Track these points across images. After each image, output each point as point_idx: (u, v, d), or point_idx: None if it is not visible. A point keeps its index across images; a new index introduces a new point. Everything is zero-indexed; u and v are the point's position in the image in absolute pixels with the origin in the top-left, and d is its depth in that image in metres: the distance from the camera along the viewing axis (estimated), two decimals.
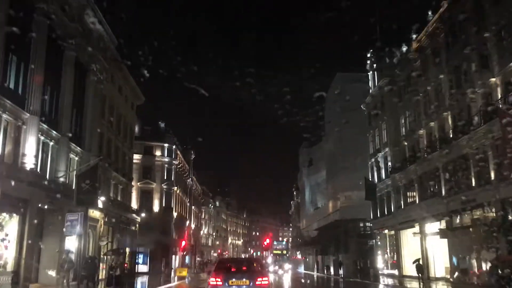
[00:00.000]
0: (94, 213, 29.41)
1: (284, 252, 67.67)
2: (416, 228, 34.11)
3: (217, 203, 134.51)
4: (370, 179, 43.14)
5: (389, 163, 40.39)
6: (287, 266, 64.31)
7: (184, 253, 70.87)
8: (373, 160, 45.35)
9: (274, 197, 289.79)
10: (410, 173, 35.48)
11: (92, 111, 29.67)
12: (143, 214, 45.71)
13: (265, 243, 59.83)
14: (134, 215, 41.11)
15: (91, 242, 29.54)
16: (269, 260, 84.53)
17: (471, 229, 26.44)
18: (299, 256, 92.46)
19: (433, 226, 31.81)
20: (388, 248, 43.00)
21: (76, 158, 27.86)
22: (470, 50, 27.13)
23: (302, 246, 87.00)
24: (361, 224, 55.01)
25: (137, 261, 53.97)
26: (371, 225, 50.86)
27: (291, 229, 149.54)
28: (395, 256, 40.13)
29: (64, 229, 21.55)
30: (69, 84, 25.72)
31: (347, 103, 57.07)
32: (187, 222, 74.37)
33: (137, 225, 42.45)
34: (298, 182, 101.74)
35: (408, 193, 36.81)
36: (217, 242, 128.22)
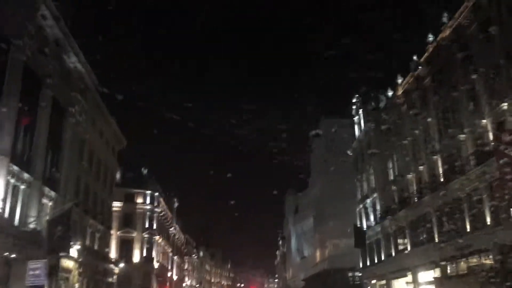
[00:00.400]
0: (67, 263, 27.40)
1: None
2: (409, 277, 32.57)
3: (201, 253, 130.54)
4: (359, 226, 41.76)
5: (378, 209, 39.25)
6: None
7: None
8: (361, 206, 44.19)
9: (259, 247, 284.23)
10: (400, 219, 34.31)
11: (69, 154, 28.29)
12: (121, 265, 43.32)
13: None
14: (112, 265, 38.80)
15: None
16: None
17: (468, 277, 25.07)
18: None
19: (427, 275, 30.34)
20: None
21: (50, 203, 26.16)
22: (458, 92, 26.87)
23: None
24: (350, 274, 53.11)
25: None
26: (360, 274, 49.03)
27: (276, 279, 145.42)
28: None
29: (25, 281, 19.51)
30: (45, 124, 24.47)
31: (333, 148, 56.74)
32: (169, 274, 71.26)
33: (115, 277, 39.99)
34: (283, 230, 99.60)
35: (399, 240, 35.47)
36: None
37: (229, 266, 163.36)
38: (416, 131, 32.90)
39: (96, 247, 35.42)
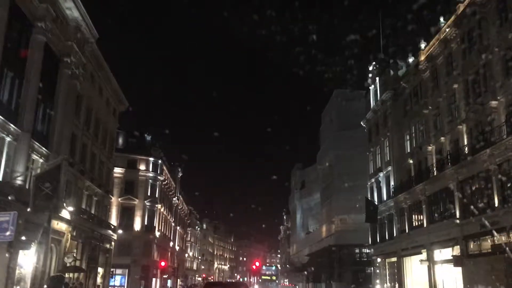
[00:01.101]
0: (59, 225, 25.53)
1: (274, 278, 62.84)
2: (424, 255, 30.52)
3: (204, 226, 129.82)
4: (371, 200, 39.57)
5: (392, 183, 37.04)
6: None
7: (166, 276, 66.30)
8: (373, 180, 41.98)
9: (263, 221, 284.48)
10: (417, 194, 32.09)
11: (64, 108, 26.07)
12: (120, 231, 41.69)
13: (254, 266, 55.17)
14: (110, 231, 37.04)
15: (54, 259, 25.53)
16: (256, 287, 79.62)
17: (492, 256, 22.95)
18: (286, 283, 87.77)
19: (444, 253, 28.31)
20: (387, 277, 39.25)
21: (41, 160, 24.11)
22: (492, 55, 24.27)
23: (292, 272, 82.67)
24: (357, 251, 51.44)
25: (113, 283, 49.73)
26: (369, 251, 47.24)
27: (279, 255, 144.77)
28: (397, 286, 36.42)
29: None
30: (35, 72, 22.19)
31: (344, 121, 54.37)
32: (171, 243, 69.99)
33: (113, 243, 38.32)
34: (289, 205, 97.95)
35: (414, 216, 33.34)
36: (203, 266, 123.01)
37: (232, 240, 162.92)
38: (439, 99, 30.41)
39: (93, 211, 33.60)
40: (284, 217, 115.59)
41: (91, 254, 32.04)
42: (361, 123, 45.50)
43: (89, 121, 31.86)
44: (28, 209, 19.60)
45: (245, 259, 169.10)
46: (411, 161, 34.43)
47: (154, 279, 59.61)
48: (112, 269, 48.19)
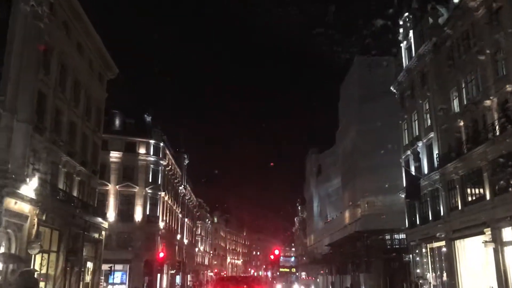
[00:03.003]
0: (19, 206, 19.59)
1: (293, 270, 56.25)
2: (487, 236, 24.13)
3: (215, 219, 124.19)
4: (412, 172, 32.95)
5: (436, 152, 30.64)
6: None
7: (174, 272, 60.51)
8: (408, 152, 35.57)
9: (275, 215, 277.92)
10: (474, 160, 25.67)
11: (21, 55, 20.11)
12: (111, 218, 35.81)
13: (272, 256, 48.50)
14: (99, 218, 31.10)
15: (13, 248, 19.60)
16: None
17: None
18: (304, 276, 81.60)
19: None
20: (430, 266, 32.96)
21: None
22: None
23: (310, 265, 76.44)
24: (388, 237, 45.10)
25: (112, 280, 44.00)
26: (402, 237, 41.00)
27: (293, 248, 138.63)
28: (445, 276, 30.15)
29: None
30: None
31: (368, 91, 47.99)
32: (178, 236, 64.12)
33: (104, 233, 32.36)
34: (304, 193, 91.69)
35: (469, 189, 26.94)
36: (215, 262, 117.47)
37: (244, 233, 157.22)
38: (501, 39, 23.95)
39: (75, 193, 27.68)
40: (299, 208, 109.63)
41: (72, 245, 26.11)
42: (391, 88, 39.09)
43: (64, 81, 25.83)
44: None
45: (258, 253, 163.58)
46: (461, 122, 27.98)
47: (159, 275, 53.90)
48: (110, 265, 42.68)
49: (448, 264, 29.03)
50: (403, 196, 36.48)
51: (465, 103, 27.90)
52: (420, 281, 32.83)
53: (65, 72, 25.91)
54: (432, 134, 31.37)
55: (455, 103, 29.30)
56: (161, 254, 40.20)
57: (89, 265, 30.85)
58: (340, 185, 59.73)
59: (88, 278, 30.21)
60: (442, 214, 29.59)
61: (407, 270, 37.87)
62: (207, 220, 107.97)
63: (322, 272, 68.42)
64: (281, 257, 63.70)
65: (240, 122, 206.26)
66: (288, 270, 52.39)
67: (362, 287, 46.80)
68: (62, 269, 24.57)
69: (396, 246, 43.46)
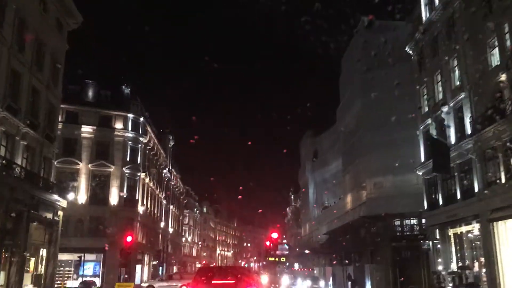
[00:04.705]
0: None
1: (283, 259, 50.08)
2: None
3: (205, 209, 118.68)
4: (439, 139, 27.27)
5: (469, 116, 25.16)
6: (304, 282, 46.31)
7: (156, 263, 54.92)
8: (429, 121, 30.09)
9: (267, 206, 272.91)
10: None
11: None
12: (70, 196, 29.97)
13: (268, 243, 42.04)
14: (55, 196, 25.23)
15: None
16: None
17: None
18: (296, 268, 76.21)
19: None
20: (454, 254, 27.64)
21: None
22: None
23: (306, 255, 71.12)
24: (397, 222, 39.68)
25: (82, 272, 38.25)
26: (415, 222, 35.86)
27: (285, 240, 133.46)
28: (476, 266, 24.88)
29: None
30: None
31: (374, 59, 42.36)
32: (162, 224, 58.43)
33: (60, 213, 26.49)
34: (299, 180, 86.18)
35: None
36: (204, 253, 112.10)
37: (235, 224, 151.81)
38: None
39: (20, 162, 21.83)
40: (292, 197, 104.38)
41: (12, 226, 20.30)
42: (406, 48, 33.58)
43: (1, 14, 19.85)
44: None
45: (249, 244, 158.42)
46: (503, 77, 22.49)
47: (140, 266, 48.29)
48: (80, 255, 37.14)
49: (485, 251, 23.62)
50: (420, 173, 31.18)
51: (506, 55, 22.40)
52: (443, 273, 27.56)
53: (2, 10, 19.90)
54: (462, 95, 25.85)
55: (494, 56, 23.79)
56: (129, 238, 34.38)
57: (44, 253, 25.11)
58: (339, 169, 54.19)
59: (41, 268, 24.41)
60: (476, 190, 24.14)
61: (422, 260, 32.60)
62: (195, 209, 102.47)
63: (317, 263, 63.19)
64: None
65: (233, 110, 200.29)
66: (276, 259, 46.49)
67: (367, 278, 41.48)
68: None
69: (407, 233, 38.09)
